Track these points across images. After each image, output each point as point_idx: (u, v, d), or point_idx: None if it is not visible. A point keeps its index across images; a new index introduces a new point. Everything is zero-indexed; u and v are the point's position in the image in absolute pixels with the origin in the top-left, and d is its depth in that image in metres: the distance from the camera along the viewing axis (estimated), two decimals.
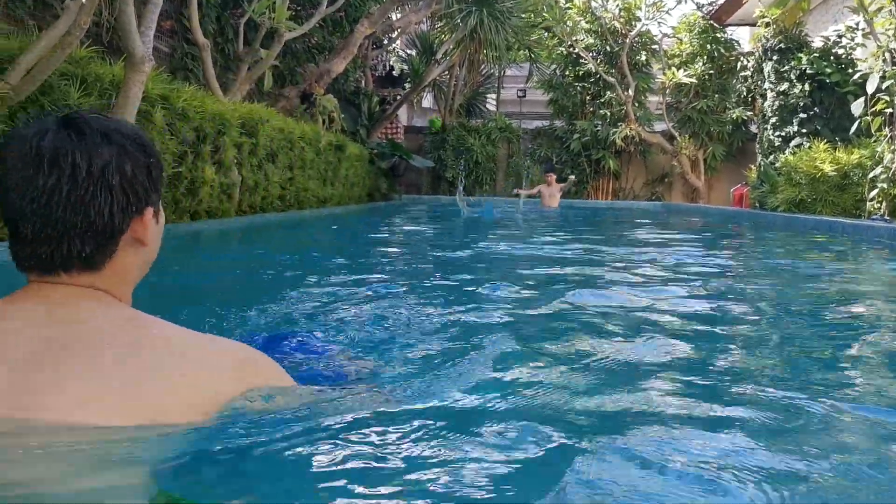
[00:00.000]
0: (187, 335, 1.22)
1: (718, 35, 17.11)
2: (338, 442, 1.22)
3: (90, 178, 1.12)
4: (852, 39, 10.64)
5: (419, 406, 1.48)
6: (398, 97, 16.93)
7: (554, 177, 14.90)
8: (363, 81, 15.73)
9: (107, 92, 5.17)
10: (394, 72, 18.77)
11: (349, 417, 1.31)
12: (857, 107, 8.56)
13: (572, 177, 15.52)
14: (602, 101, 17.82)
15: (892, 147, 8.29)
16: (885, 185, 8.36)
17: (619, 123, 17.24)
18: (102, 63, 5.36)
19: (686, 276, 4.28)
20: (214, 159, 7.03)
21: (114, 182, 1.14)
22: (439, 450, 1.24)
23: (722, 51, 17.06)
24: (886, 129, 8.48)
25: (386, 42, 15.33)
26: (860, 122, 8.72)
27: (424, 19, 15.98)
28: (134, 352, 1.13)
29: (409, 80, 17.63)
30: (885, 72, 8.30)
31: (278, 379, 1.32)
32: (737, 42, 17.41)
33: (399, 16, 13.95)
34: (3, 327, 1.13)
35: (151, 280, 1.34)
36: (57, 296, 1.16)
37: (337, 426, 1.26)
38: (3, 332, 1.12)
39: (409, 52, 19.08)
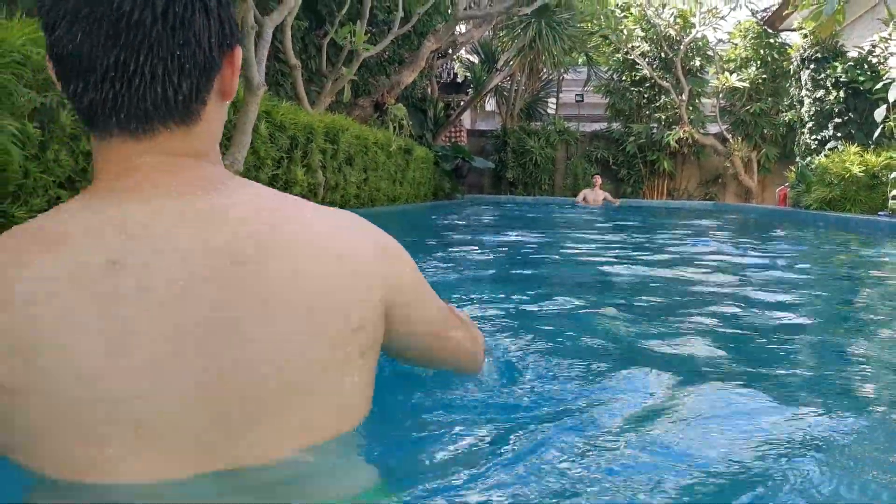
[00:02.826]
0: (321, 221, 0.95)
1: (772, 40, 17.72)
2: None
3: None
4: (885, 49, 11.31)
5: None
6: (462, 103, 18.02)
7: (600, 180, 15.90)
8: (429, 89, 16.90)
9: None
10: (457, 79, 19.83)
11: None
12: (879, 114, 9.29)
13: (618, 202, 16.25)
14: (657, 104, 18.63)
15: None
16: None
17: (673, 126, 18.02)
18: None
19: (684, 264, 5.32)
20: (304, 163, 8.36)
21: (210, 3, 0.86)
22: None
23: (775, 55, 17.65)
24: None
25: (450, 52, 16.47)
26: (883, 128, 9.46)
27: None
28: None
29: (472, 86, 18.65)
30: None
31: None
32: (790, 47, 17.92)
33: (463, 30, 15.10)
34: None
35: None
36: (172, 178, 0.84)
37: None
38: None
39: (471, 59, 20.19)
